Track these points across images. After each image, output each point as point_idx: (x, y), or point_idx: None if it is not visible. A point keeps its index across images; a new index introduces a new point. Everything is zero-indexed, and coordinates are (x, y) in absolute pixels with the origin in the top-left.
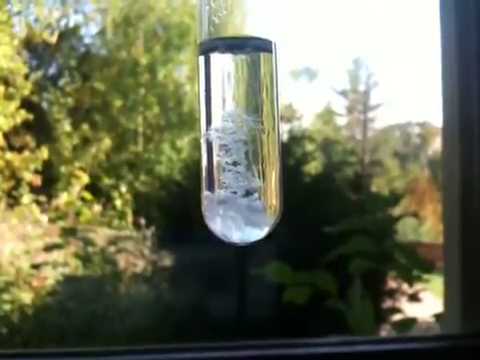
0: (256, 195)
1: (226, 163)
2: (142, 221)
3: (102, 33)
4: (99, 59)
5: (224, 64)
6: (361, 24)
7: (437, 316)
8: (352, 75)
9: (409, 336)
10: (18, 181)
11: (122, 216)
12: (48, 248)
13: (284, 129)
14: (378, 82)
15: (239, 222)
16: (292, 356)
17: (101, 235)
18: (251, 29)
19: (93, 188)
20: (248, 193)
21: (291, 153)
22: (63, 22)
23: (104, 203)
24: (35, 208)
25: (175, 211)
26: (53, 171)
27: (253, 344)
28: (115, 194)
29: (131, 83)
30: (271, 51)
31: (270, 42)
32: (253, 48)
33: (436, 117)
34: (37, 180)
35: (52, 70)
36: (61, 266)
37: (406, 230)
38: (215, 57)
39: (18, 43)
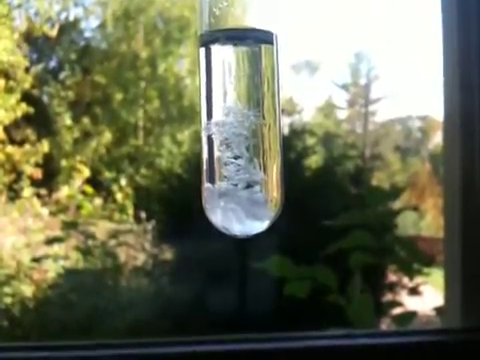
0: (257, 188)
1: (227, 157)
2: (143, 214)
3: (102, 26)
4: (99, 52)
5: (225, 56)
6: (362, 18)
7: (437, 310)
8: (353, 69)
9: (409, 330)
10: (19, 174)
11: (123, 209)
12: (49, 241)
13: (285, 123)
14: (379, 76)
15: (240, 215)
16: (292, 349)
17: (102, 228)
18: (252, 21)
19: (94, 182)
20: (249, 186)
21: (292, 147)
22: (63, 15)
23: (105, 196)
24: (36, 201)
25: (176, 204)
26: (54, 164)
27: (253, 337)
28: (116, 187)
29: (131, 76)
30: (272, 43)
31: (271, 34)
32: (254, 40)
33: (437, 111)
34: (38, 173)
35: (52, 63)
36: (62, 259)
37: (407, 224)
38: (216, 49)
39: (18, 36)
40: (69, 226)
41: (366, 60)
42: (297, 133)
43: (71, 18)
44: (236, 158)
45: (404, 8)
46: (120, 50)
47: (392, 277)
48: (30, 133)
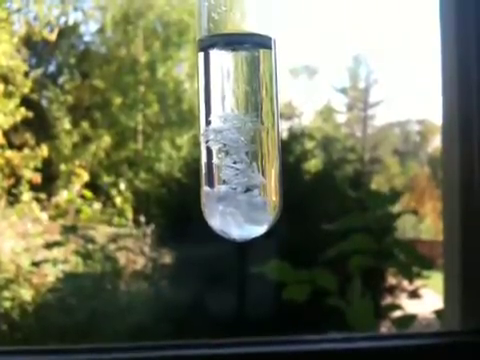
0: (256, 192)
1: (226, 161)
2: (142, 218)
3: (101, 31)
4: (99, 57)
5: (223, 60)
6: (361, 22)
7: (437, 312)
8: (352, 73)
9: (409, 333)
10: (18, 179)
11: (122, 214)
12: (48, 245)
13: (284, 127)
14: (378, 80)
15: (238, 218)
16: (292, 353)
17: (101, 232)
18: (250, 26)
19: (93, 186)
20: (248, 189)
21: (291, 151)
22: (62, 20)
23: (104, 201)
24: (35, 206)
25: (175, 208)
26: (53, 169)
27: (253, 341)
28: (115, 192)
29: (130, 81)
30: (270, 47)
31: (270, 38)
32: (252, 44)
33: (436, 115)
34: (37, 178)
35: (52, 68)
36: (61, 263)
37: (406, 227)
38: (214, 53)
39: (18, 41)
40: (68, 230)
41: (365, 64)
42: (296, 137)
43: (70, 22)
44: (235, 162)
45: (402, 12)
46: (119, 54)
47: (392, 280)
48: (29, 137)
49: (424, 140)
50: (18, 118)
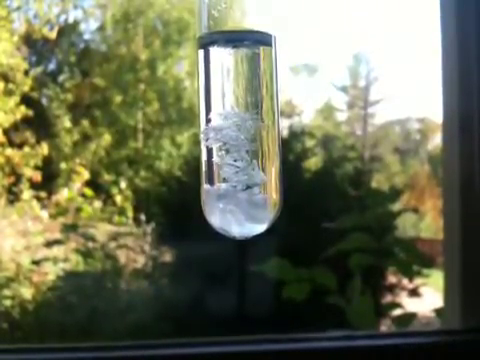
0: (256, 189)
1: (226, 158)
2: (142, 217)
3: (102, 29)
4: (99, 55)
5: (223, 58)
6: (361, 20)
7: (437, 311)
8: (352, 71)
9: (409, 331)
10: (18, 177)
11: (122, 212)
12: (49, 244)
13: (284, 125)
14: (378, 78)
15: (239, 216)
16: (292, 351)
17: (101, 231)
18: (251, 23)
19: (93, 184)
20: (248, 187)
21: (291, 149)
22: (62, 18)
23: (104, 199)
24: (35, 204)
25: (175, 207)
26: (53, 167)
27: (252, 339)
28: (115, 190)
29: (131, 79)
30: (271, 45)
31: (270, 35)
32: (253, 41)
33: (436, 113)
34: (37, 176)
35: (52, 66)
36: (61, 262)
37: (406, 226)
38: (214, 51)
39: (18, 39)
40: (69, 228)
41: (365, 62)
42: (296, 135)
43: (70, 20)
44: (235, 160)
45: (403, 10)
46: (119, 52)
47: (392, 279)
48: (29, 136)
49: (424, 138)
50: (18, 116)
